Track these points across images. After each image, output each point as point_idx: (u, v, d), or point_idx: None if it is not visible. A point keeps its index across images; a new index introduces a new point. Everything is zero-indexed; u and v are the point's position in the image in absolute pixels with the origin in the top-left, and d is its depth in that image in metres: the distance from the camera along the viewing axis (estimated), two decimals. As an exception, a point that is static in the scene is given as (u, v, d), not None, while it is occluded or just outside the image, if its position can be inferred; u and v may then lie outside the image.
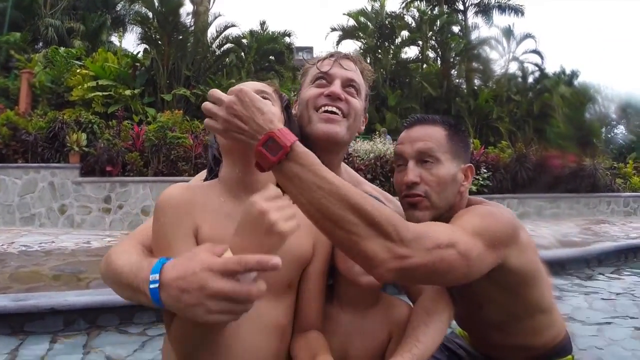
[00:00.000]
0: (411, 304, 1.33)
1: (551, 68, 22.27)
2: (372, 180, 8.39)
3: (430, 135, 1.34)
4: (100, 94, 11.37)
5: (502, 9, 20.65)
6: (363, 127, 1.47)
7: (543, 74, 20.28)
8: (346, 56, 1.41)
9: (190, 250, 0.90)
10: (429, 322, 1.19)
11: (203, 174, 1.33)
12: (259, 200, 0.88)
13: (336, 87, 1.34)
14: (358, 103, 1.38)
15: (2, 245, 5.29)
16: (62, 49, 13.71)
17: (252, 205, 0.88)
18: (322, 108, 1.32)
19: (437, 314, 1.22)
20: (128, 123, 9.49)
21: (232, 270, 0.82)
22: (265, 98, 1.21)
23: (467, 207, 1.35)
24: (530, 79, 20.42)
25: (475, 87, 19.77)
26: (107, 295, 3.12)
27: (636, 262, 5.62)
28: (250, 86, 1.26)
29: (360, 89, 1.40)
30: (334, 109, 1.32)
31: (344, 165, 1.53)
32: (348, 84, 1.37)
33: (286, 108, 1.28)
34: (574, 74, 21.32)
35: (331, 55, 1.42)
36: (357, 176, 1.57)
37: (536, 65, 20.45)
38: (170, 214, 1.05)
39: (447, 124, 1.37)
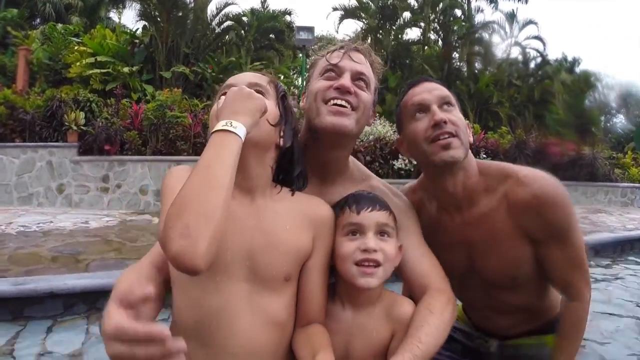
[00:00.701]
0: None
1: (553, 55, 22.11)
2: (371, 162, 8.42)
3: (441, 86, 1.41)
4: (98, 71, 11.24)
5: (506, -8, 20.35)
6: (372, 121, 1.44)
7: (544, 61, 20.08)
8: (356, 49, 1.38)
9: None
10: (431, 321, 1.18)
11: None
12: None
13: (345, 80, 1.31)
14: (367, 96, 1.35)
15: (0, 225, 5.26)
16: (60, 25, 13.52)
17: (232, 90, 1.12)
18: (331, 101, 1.29)
19: (440, 313, 1.21)
20: (127, 101, 9.40)
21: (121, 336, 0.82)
22: (259, 92, 1.17)
23: (485, 169, 1.44)
24: (532, 65, 20.25)
25: (476, 71, 19.58)
26: (106, 279, 3.11)
27: (632, 254, 5.64)
28: (244, 78, 1.22)
29: (370, 82, 1.38)
30: (343, 102, 1.29)
31: (352, 159, 1.50)
32: (357, 77, 1.34)
33: (282, 98, 1.25)
34: (576, 62, 21.19)
35: (341, 47, 1.38)
36: (366, 170, 1.54)
37: (538, 51, 20.23)
38: (178, 181, 1.02)
39: None
